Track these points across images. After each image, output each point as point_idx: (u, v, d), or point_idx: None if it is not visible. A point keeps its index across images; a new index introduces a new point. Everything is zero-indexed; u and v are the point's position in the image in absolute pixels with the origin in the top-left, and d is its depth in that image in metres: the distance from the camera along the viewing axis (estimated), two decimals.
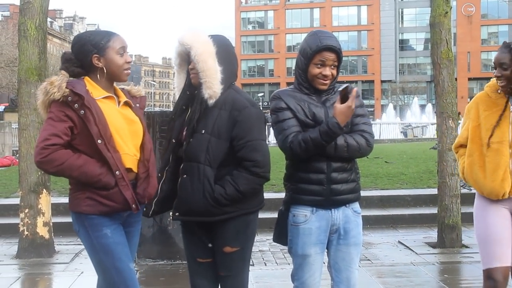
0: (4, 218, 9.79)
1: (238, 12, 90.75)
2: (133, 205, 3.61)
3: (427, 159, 15.70)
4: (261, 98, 77.53)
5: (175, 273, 6.97)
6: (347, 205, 3.87)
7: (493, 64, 4.14)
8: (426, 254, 7.61)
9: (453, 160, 7.65)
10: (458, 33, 72.62)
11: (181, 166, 3.67)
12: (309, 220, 3.82)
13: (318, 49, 3.74)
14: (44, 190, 7.81)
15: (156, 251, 7.37)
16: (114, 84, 3.76)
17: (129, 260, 3.67)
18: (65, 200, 9.11)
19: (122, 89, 3.81)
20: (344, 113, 3.67)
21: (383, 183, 11.83)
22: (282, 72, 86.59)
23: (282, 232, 3.94)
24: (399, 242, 8.46)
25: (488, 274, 4.14)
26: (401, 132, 39.73)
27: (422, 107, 59.55)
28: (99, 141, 3.48)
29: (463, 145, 4.30)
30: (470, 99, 4.33)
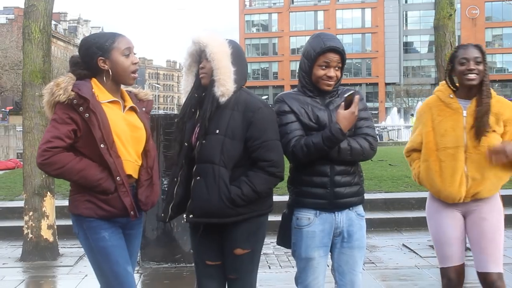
0: (8, 221, 9.79)
1: (242, 15, 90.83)
2: (132, 212, 3.60)
3: None
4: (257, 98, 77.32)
5: (179, 276, 6.97)
6: (351, 208, 3.87)
7: (462, 60, 4.11)
8: (431, 257, 7.58)
9: None
10: (462, 36, 72.52)
11: (194, 168, 3.65)
12: (313, 223, 3.82)
13: (322, 51, 3.75)
14: (48, 193, 7.82)
15: (160, 254, 7.37)
16: (122, 87, 3.74)
17: (127, 263, 3.64)
18: None
19: (129, 92, 3.79)
20: (348, 119, 3.68)
21: (387, 186, 11.81)
22: (286, 75, 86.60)
23: (286, 235, 3.94)
24: (404, 245, 8.44)
25: (443, 273, 4.35)
26: (377, 135, 39.58)
27: None
28: (102, 145, 3.47)
29: (415, 149, 4.35)
30: None
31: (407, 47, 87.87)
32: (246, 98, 3.68)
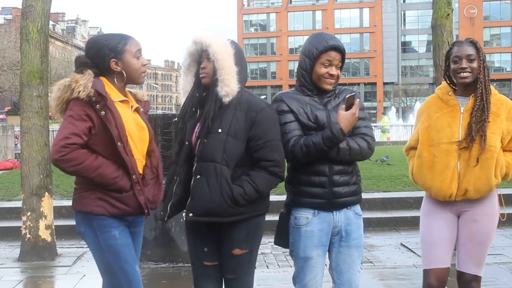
0: (6, 221, 9.78)
1: (240, 14, 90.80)
2: (146, 210, 3.63)
3: None
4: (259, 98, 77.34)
5: (178, 276, 6.97)
6: (349, 207, 3.88)
7: (455, 58, 4.10)
8: None
9: None
10: (460, 35, 72.44)
11: (194, 167, 3.64)
12: (311, 222, 3.82)
13: (325, 49, 3.79)
14: (46, 193, 7.82)
15: (158, 254, 7.37)
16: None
17: (135, 262, 3.67)
18: (67, 203, 9.13)
19: (130, 93, 3.82)
20: (349, 119, 3.71)
21: (385, 185, 11.81)
22: (284, 75, 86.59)
23: (284, 235, 3.95)
24: (402, 244, 8.44)
25: (424, 276, 4.28)
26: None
27: None
28: (119, 143, 3.48)
29: (413, 148, 4.32)
30: None
31: (405, 47, 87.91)
32: (249, 98, 3.69)
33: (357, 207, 3.94)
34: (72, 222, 3.75)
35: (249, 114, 3.64)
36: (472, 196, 4.06)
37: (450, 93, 4.16)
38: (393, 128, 38.92)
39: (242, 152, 3.63)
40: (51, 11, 8.17)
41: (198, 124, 3.71)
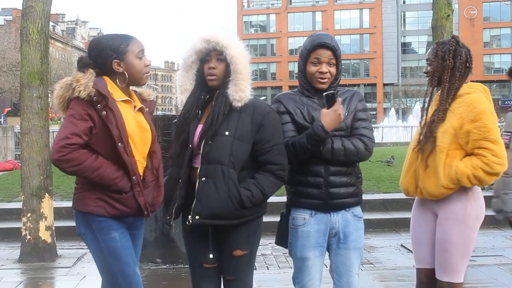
0: (6, 222, 9.79)
1: (240, 15, 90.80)
2: (145, 212, 3.60)
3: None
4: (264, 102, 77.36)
5: (178, 277, 6.97)
6: (347, 209, 3.86)
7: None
8: None
9: None
10: (460, 36, 71.58)
11: (199, 169, 3.60)
12: (308, 223, 3.82)
13: (312, 47, 3.79)
14: (47, 194, 7.81)
15: (158, 255, 7.37)
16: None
17: (135, 264, 3.66)
18: (68, 204, 9.14)
19: (135, 92, 3.79)
20: (330, 117, 3.66)
21: (386, 186, 11.81)
22: (284, 76, 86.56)
23: (284, 235, 3.95)
24: (402, 245, 8.44)
25: (416, 274, 4.23)
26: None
27: None
28: (119, 144, 3.46)
29: None
30: None
31: (405, 48, 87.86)
32: (253, 101, 3.67)
33: (357, 209, 3.92)
34: (72, 223, 3.74)
35: (255, 118, 3.63)
36: (427, 196, 3.97)
37: (438, 93, 4.11)
38: (393, 129, 38.93)
39: (248, 155, 3.63)
40: (51, 12, 8.17)
41: (200, 125, 3.68)
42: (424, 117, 4.08)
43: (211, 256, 3.71)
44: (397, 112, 62.80)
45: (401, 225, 9.64)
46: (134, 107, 3.68)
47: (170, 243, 7.35)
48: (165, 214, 3.79)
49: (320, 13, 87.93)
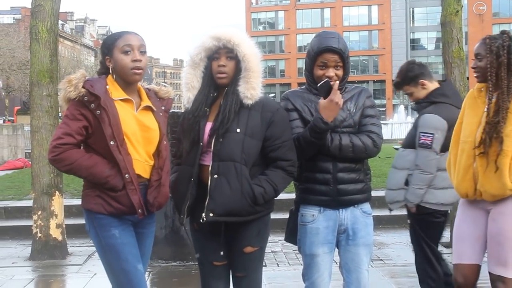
0: (17, 220, 9.84)
1: (248, 12, 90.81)
2: (139, 210, 3.58)
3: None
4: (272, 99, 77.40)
5: (188, 274, 6.98)
6: (356, 205, 3.86)
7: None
8: None
9: None
10: (469, 32, 72.32)
11: (211, 166, 3.58)
12: (317, 219, 3.82)
13: (319, 51, 3.76)
14: (57, 192, 7.85)
15: (168, 252, 7.38)
16: (139, 84, 3.70)
17: (137, 261, 3.63)
18: (78, 202, 9.14)
19: (149, 91, 3.76)
20: (327, 107, 3.63)
21: None
22: (293, 73, 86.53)
23: (293, 232, 3.96)
24: None
25: (453, 270, 4.22)
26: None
27: None
28: (111, 142, 3.46)
29: None
30: None
31: (414, 44, 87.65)
32: (262, 98, 3.67)
33: (366, 206, 3.91)
34: (83, 221, 3.76)
35: (264, 114, 3.63)
36: (488, 199, 3.96)
37: (482, 89, 4.05)
38: (402, 125, 38.85)
39: (259, 152, 3.63)
40: (60, 11, 8.19)
41: (208, 123, 3.66)
42: (486, 118, 3.94)
43: (222, 253, 3.72)
44: (406, 108, 62.47)
45: None
46: (139, 106, 3.66)
47: (180, 241, 7.36)
48: (177, 213, 3.78)
49: (329, 9, 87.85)
